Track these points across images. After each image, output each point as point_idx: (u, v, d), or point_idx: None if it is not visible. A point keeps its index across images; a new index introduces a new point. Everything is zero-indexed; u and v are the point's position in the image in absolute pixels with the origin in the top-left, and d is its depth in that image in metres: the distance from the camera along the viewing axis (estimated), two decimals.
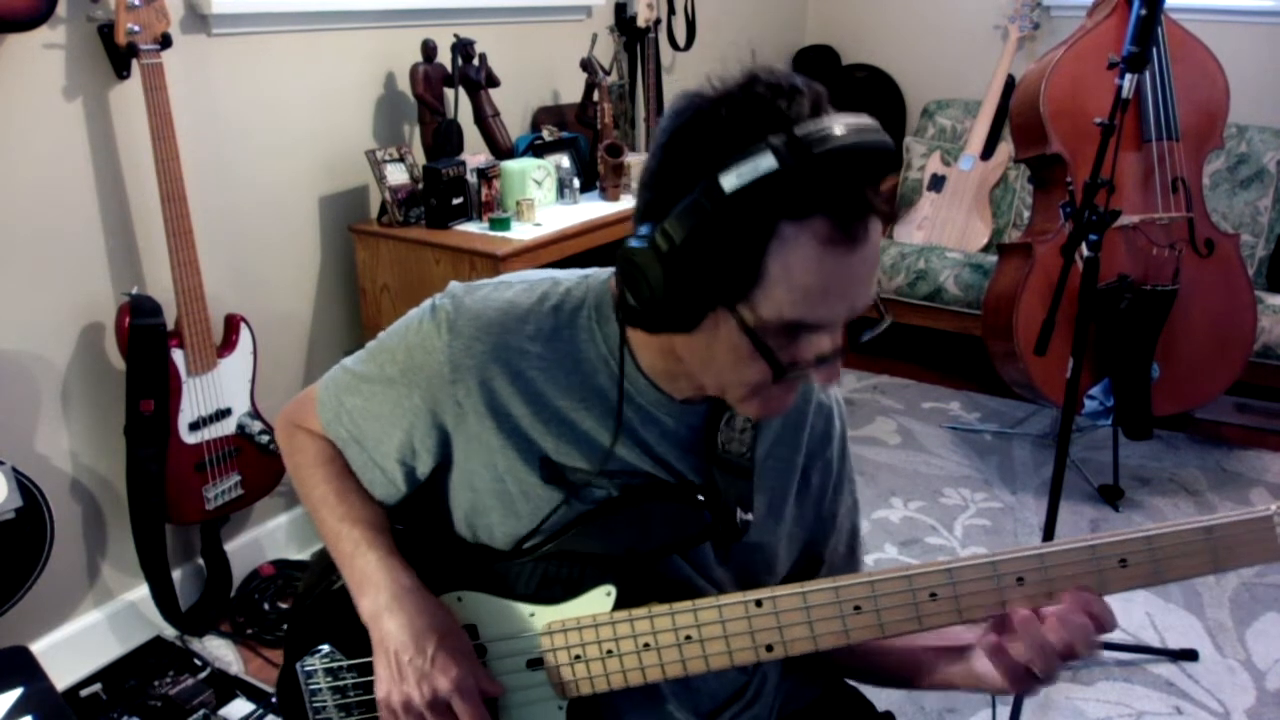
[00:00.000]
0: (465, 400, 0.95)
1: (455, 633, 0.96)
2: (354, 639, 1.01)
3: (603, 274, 0.99)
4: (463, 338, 0.95)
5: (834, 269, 0.78)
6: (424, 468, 1.02)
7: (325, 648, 1.04)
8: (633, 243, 0.81)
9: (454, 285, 1.00)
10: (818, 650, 0.91)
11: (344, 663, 1.04)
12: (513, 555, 0.99)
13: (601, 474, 0.97)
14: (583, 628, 0.95)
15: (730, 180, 0.74)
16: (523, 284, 1.00)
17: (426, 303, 1.00)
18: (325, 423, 1.06)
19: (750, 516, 1.00)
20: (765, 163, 0.74)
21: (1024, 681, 0.88)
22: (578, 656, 0.96)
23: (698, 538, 0.98)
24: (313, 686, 1.05)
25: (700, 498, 0.97)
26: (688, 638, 0.92)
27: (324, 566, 1.07)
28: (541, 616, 0.97)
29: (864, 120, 0.78)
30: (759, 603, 0.90)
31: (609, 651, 0.94)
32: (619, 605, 0.95)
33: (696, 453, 0.99)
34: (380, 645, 0.95)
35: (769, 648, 0.91)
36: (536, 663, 0.98)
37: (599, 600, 0.96)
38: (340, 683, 1.04)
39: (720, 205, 0.75)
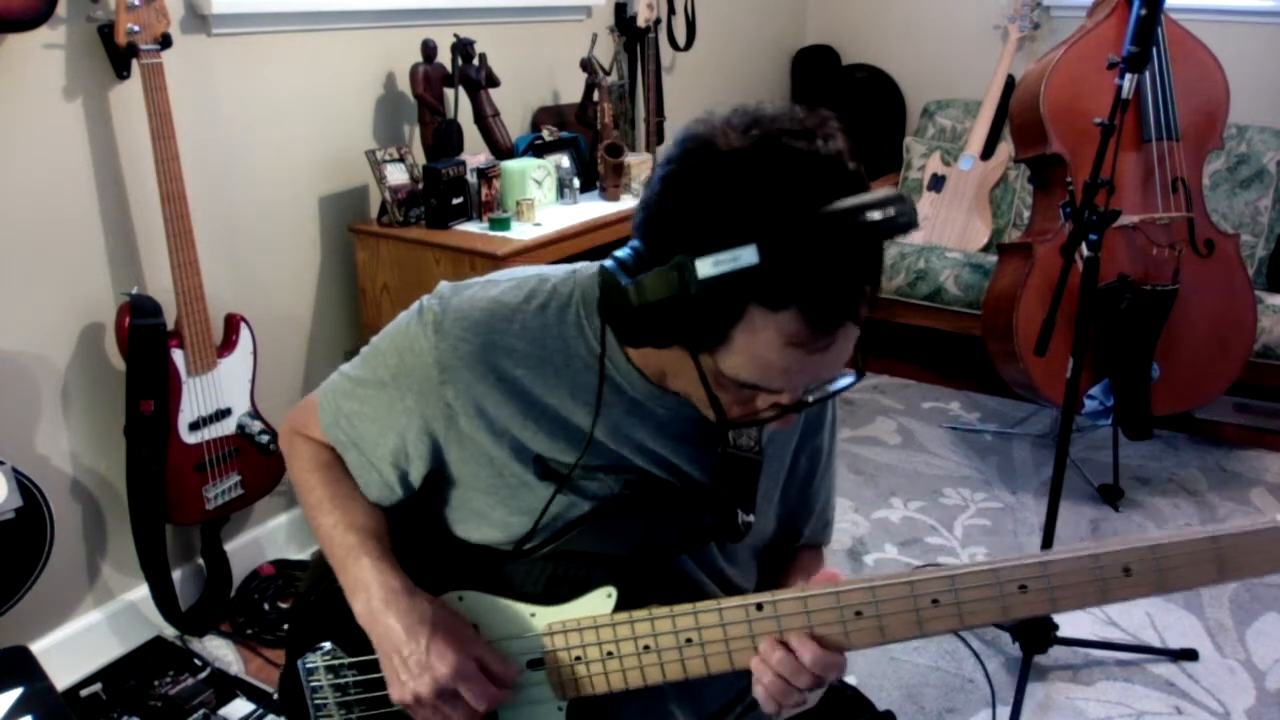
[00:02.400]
0: (455, 401, 0.96)
1: (449, 622, 0.97)
2: (355, 637, 1.01)
3: (591, 268, 0.99)
4: (449, 338, 0.95)
5: (796, 359, 0.78)
6: (417, 474, 1.02)
7: (326, 645, 1.04)
8: (622, 276, 0.80)
9: (442, 285, 1.01)
10: None
11: (345, 660, 1.04)
12: (514, 556, 0.99)
13: (598, 469, 0.97)
14: (583, 629, 0.95)
15: (706, 268, 0.73)
16: (510, 281, 0.99)
17: (415, 304, 1.00)
18: (325, 427, 1.06)
19: (752, 518, 1.00)
20: (746, 256, 0.72)
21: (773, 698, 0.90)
22: (578, 657, 0.96)
23: (698, 541, 0.98)
24: (314, 684, 1.05)
25: (703, 503, 0.97)
26: (688, 640, 0.92)
27: (325, 566, 1.08)
28: (542, 617, 0.97)
29: (876, 211, 0.73)
30: (759, 606, 0.90)
31: (609, 653, 0.95)
32: (619, 606, 0.95)
33: (694, 444, 0.99)
34: (379, 647, 0.95)
35: None
36: (537, 663, 0.98)
37: (600, 602, 0.96)
38: (341, 680, 1.04)
39: (693, 286, 0.74)
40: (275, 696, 1.94)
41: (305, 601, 1.11)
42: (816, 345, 0.77)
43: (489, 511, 1.00)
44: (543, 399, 0.95)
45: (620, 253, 0.82)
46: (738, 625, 0.91)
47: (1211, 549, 0.81)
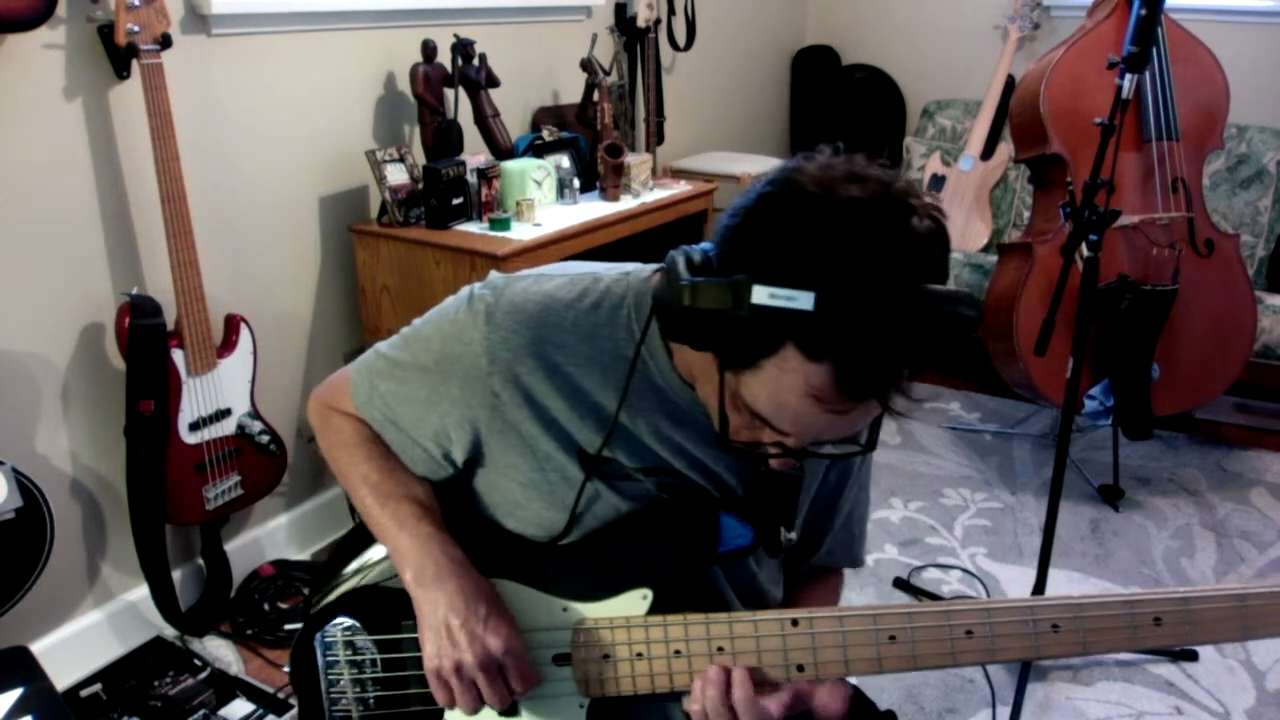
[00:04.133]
0: (502, 391, 0.95)
1: (501, 602, 0.97)
2: (378, 619, 1.01)
3: (643, 271, 1.00)
4: (501, 330, 0.95)
5: (810, 411, 0.79)
6: (459, 455, 1.02)
7: (347, 620, 1.04)
8: (685, 271, 0.80)
9: (494, 275, 1.00)
10: (849, 674, 0.91)
11: (365, 637, 1.04)
12: (552, 549, 0.99)
13: (638, 470, 0.97)
14: (615, 628, 0.95)
15: (761, 296, 0.74)
16: (563, 277, 1.00)
17: (464, 291, 1.00)
18: (359, 405, 1.06)
19: (794, 535, 1.00)
20: (802, 300, 0.73)
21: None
22: (606, 655, 0.96)
23: (741, 554, 0.98)
24: (331, 658, 1.05)
25: (747, 518, 0.97)
26: (719, 649, 0.92)
27: (349, 543, 1.08)
28: (574, 612, 0.97)
29: (942, 304, 0.74)
30: (795, 622, 0.91)
31: (639, 654, 0.94)
32: (654, 610, 0.95)
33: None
34: (429, 615, 0.95)
35: (800, 668, 0.91)
36: (564, 658, 0.98)
37: (634, 602, 0.96)
38: (359, 656, 1.04)
39: (743, 306, 0.75)
40: (276, 693, 1.94)
41: (329, 576, 1.10)
42: (835, 406, 0.78)
43: (525, 504, 1.00)
44: (591, 395, 0.96)
45: (693, 248, 0.83)
46: (771, 639, 0.91)
47: (1238, 609, 0.83)
